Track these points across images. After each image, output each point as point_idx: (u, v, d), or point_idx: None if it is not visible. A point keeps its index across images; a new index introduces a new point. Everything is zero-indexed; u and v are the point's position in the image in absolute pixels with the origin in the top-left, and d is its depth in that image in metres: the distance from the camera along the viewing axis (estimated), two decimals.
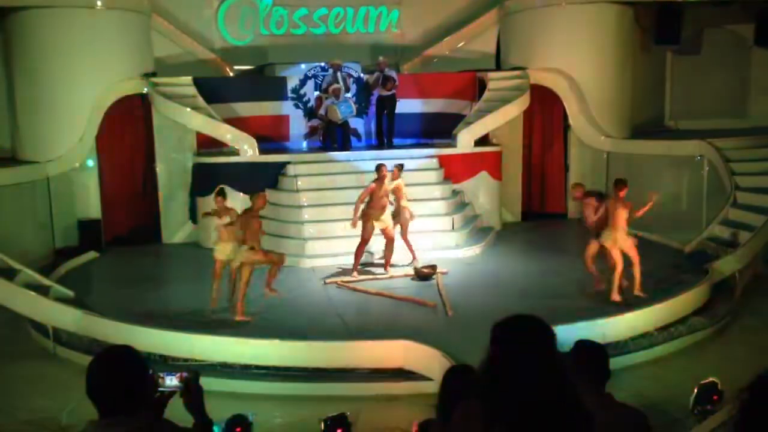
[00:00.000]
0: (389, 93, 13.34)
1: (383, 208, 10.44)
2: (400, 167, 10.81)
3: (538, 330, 2.04)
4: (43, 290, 9.38)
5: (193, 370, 2.74)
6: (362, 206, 10.34)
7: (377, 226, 10.51)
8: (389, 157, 12.45)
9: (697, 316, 8.83)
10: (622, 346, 7.87)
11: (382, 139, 13.58)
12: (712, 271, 9.63)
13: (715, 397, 6.26)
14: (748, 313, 9.37)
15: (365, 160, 12.26)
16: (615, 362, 3.63)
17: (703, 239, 11.39)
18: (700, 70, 15.32)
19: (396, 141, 13.53)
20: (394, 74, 13.55)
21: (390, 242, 10.67)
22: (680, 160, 13.25)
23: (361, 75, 14.00)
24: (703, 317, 8.87)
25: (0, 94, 13.09)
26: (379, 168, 10.39)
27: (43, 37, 12.39)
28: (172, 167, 13.16)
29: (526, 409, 1.90)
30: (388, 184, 10.50)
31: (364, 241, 10.53)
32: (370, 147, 13.59)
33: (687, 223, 12.53)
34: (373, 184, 10.37)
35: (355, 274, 10.49)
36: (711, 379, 6.34)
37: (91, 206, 12.89)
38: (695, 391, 6.29)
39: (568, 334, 5.29)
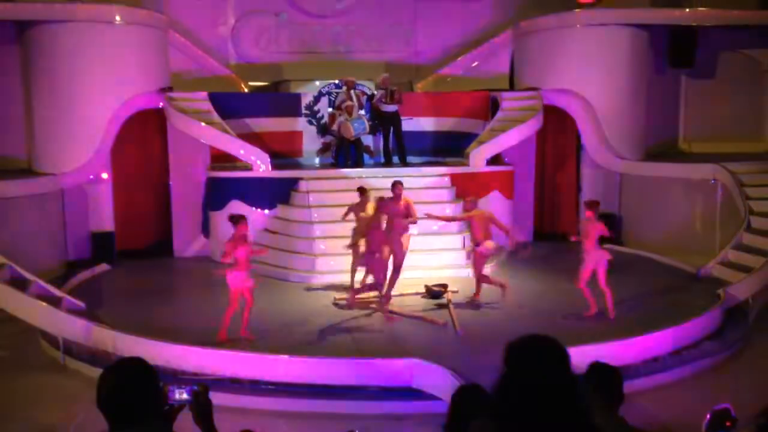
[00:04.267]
0: (394, 109, 13.37)
1: (405, 229, 9.59)
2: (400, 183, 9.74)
3: (552, 350, 2.03)
4: (54, 301, 9.42)
5: (202, 384, 2.74)
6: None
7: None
8: (402, 175, 12.47)
9: (710, 341, 8.75)
10: (634, 370, 7.79)
11: (390, 157, 13.59)
12: (725, 296, 9.55)
13: (728, 423, 6.15)
14: (761, 339, 9.27)
15: (378, 177, 12.29)
16: (627, 386, 3.59)
17: (716, 263, 11.30)
18: (715, 94, 15.28)
19: (408, 159, 13.56)
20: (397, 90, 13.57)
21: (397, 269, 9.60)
22: (694, 183, 13.20)
23: (375, 93, 14.07)
24: (716, 342, 8.79)
25: (17, 106, 13.24)
26: (394, 185, 9.62)
27: (61, 51, 12.54)
28: (185, 181, 13.24)
29: (538, 428, 1.89)
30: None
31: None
32: (382, 164, 13.61)
33: (700, 246, 12.45)
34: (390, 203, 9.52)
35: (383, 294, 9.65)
36: (724, 404, 6.25)
37: (105, 219, 12.98)
38: (708, 416, 6.19)
39: (579, 355, 5.24)
